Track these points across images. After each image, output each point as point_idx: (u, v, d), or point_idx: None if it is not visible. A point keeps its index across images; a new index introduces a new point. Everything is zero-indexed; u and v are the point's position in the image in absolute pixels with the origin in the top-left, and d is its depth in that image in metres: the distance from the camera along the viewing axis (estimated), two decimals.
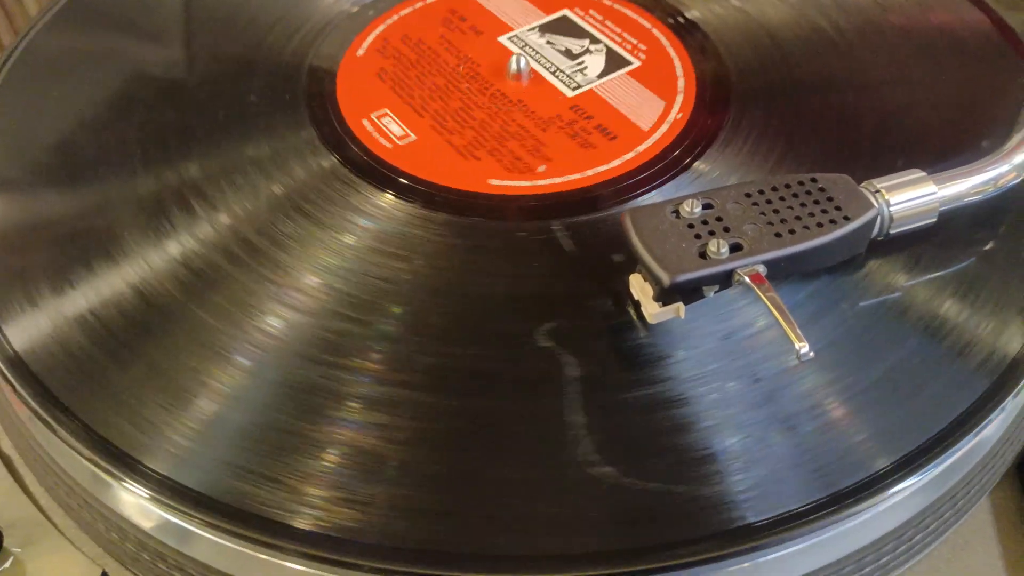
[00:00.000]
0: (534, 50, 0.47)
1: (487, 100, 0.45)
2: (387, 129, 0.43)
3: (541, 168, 0.41)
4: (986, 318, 0.37)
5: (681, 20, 0.48)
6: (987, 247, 0.39)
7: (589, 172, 0.41)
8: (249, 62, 0.46)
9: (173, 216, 0.40)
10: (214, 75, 0.46)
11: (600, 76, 0.45)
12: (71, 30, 0.49)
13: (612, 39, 0.47)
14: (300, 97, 0.45)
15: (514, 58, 0.45)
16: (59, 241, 0.39)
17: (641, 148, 0.41)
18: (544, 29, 0.48)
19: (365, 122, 0.43)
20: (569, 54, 0.47)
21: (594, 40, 0.47)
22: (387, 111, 0.44)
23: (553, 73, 0.46)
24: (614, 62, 0.46)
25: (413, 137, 0.43)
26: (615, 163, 0.41)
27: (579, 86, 0.45)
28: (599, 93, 0.45)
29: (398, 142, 0.42)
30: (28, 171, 0.42)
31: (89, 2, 0.51)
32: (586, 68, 0.46)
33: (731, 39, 0.47)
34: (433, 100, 0.45)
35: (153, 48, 0.48)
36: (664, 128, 0.42)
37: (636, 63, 0.46)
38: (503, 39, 0.48)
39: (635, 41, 0.47)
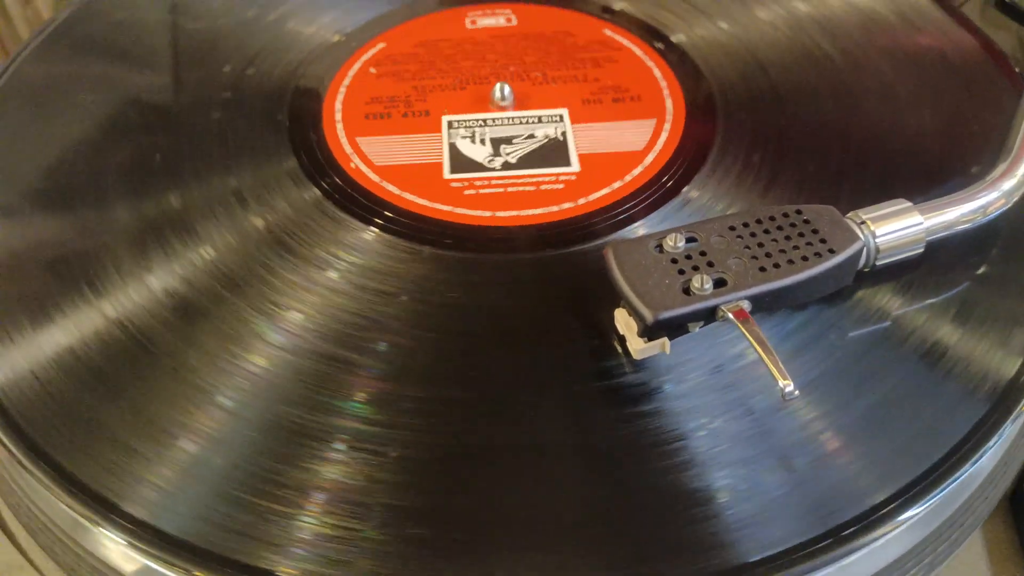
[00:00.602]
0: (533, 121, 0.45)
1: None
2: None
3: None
4: (980, 342, 0.36)
5: (662, 46, 0.48)
6: (979, 271, 0.39)
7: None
8: (236, 90, 0.46)
9: (154, 249, 0.39)
10: (198, 104, 0.46)
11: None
12: (55, 58, 0.49)
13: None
14: (284, 124, 0.44)
15: (499, 85, 0.45)
16: (37, 274, 0.39)
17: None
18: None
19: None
20: (518, 136, 0.44)
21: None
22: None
23: (481, 120, 0.45)
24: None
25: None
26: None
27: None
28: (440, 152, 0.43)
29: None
30: (5, 201, 0.42)
31: (74, 30, 0.50)
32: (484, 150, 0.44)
33: (720, 71, 0.47)
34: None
35: (136, 78, 0.47)
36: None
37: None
38: (554, 112, 0.45)
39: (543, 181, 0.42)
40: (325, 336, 0.36)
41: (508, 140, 0.44)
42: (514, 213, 0.40)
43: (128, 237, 0.40)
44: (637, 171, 0.42)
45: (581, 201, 0.41)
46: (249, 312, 0.37)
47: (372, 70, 0.46)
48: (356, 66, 0.47)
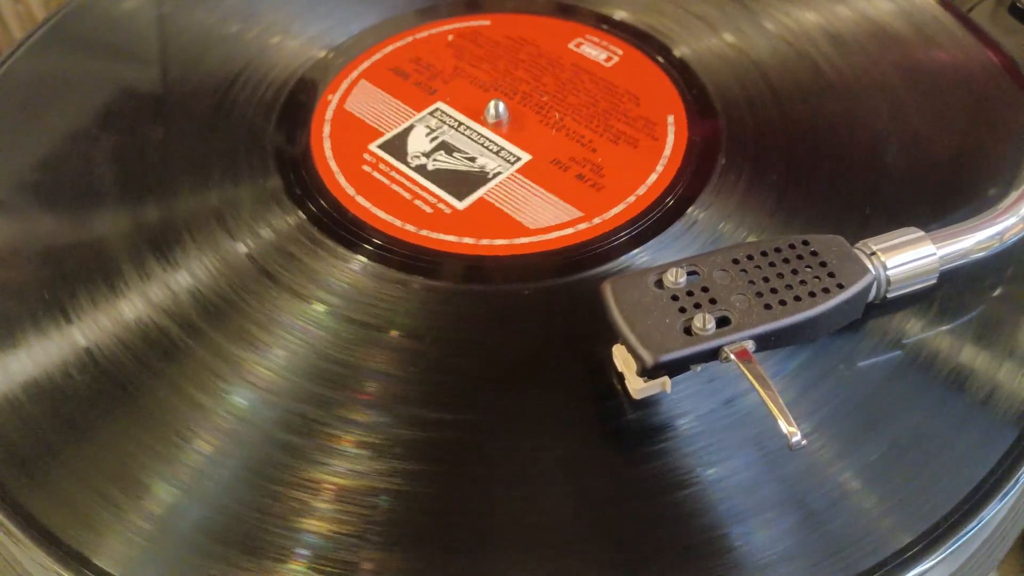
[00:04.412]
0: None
1: None
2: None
3: None
4: (1003, 368, 0.35)
5: (664, 59, 0.46)
6: (995, 293, 0.37)
7: None
8: (222, 104, 0.45)
9: (129, 273, 0.38)
10: (183, 120, 0.44)
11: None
12: (50, 56, 0.48)
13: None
14: (269, 142, 0.43)
15: (493, 103, 0.43)
16: (4, 293, 0.37)
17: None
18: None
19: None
20: (461, 152, 0.43)
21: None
22: None
23: (457, 122, 0.44)
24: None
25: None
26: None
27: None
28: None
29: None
30: None
31: (66, 32, 0.49)
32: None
33: (724, 86, 0.45)
34: None
35: (122, 92, 0.46)
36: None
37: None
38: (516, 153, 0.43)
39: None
40: (311, 375, 0.34)
41: (450, 150, 0.42)
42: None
43: (103, 257, 0.38)
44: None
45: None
46: (229, 348, 0.35)
47: (450, 37, 0.47)
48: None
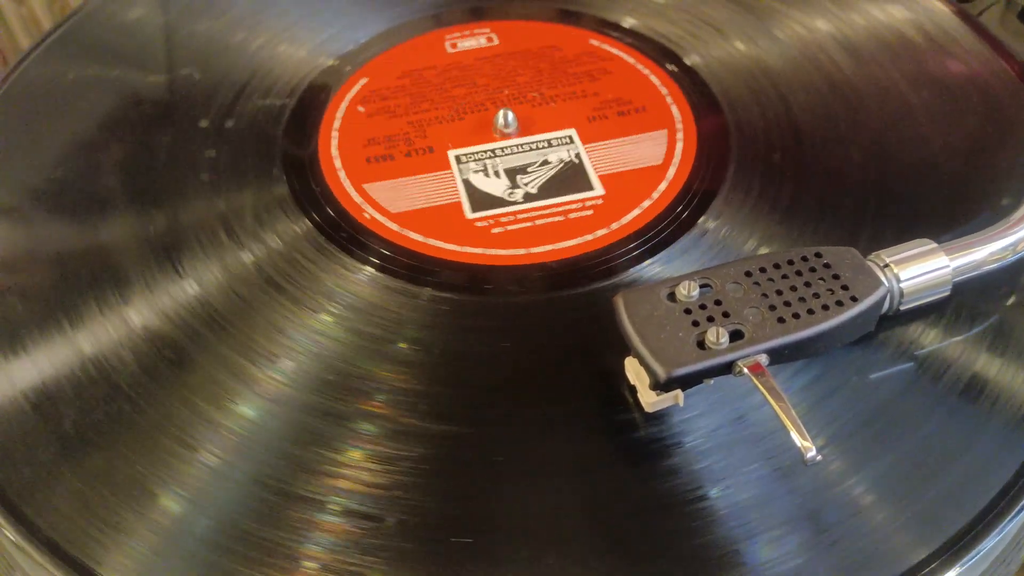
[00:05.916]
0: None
1: None
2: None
3: None
4: (1016, 377, 0.34)
5: (674, 68, 0.46)
6: (1009, 301, 0.37)
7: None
8: (229, 113, 0.45)
9: (135, 281, 0.38)
10: (191, 128, 0.44)
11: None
12: (59, 63, 0.48)
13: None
14: (277, 151, 0.43)
15: (502, 112, 0.43)
16: (12, 299, 0.37)
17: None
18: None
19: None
20: (532, 164, 0.42)
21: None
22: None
23: (489, 151, 0.43)
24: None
25: None
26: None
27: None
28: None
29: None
30: None
31: (76, 40, 0.49)
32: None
33: (734, 94, 0.45)
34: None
35: (130, 99, 0.46)
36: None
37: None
38: (562, 134, 0.44)
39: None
40: (318, 386, 0.34)
41: (523, 169, 0.42)
42: (522, 251, 0.38)
43: (109, 264, 0.38)
44: (663, 186, 0.40)
45: (602, 232, 0.39)
46: (236, 358, 0.35)
47: (360, 108, 0.44)
48: (343, 105, 0.45)
